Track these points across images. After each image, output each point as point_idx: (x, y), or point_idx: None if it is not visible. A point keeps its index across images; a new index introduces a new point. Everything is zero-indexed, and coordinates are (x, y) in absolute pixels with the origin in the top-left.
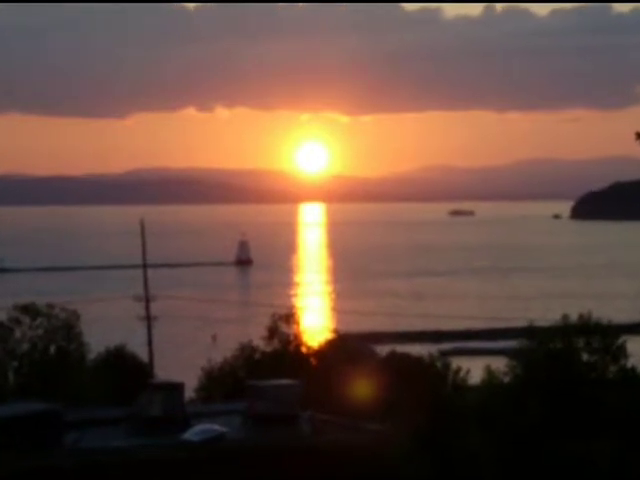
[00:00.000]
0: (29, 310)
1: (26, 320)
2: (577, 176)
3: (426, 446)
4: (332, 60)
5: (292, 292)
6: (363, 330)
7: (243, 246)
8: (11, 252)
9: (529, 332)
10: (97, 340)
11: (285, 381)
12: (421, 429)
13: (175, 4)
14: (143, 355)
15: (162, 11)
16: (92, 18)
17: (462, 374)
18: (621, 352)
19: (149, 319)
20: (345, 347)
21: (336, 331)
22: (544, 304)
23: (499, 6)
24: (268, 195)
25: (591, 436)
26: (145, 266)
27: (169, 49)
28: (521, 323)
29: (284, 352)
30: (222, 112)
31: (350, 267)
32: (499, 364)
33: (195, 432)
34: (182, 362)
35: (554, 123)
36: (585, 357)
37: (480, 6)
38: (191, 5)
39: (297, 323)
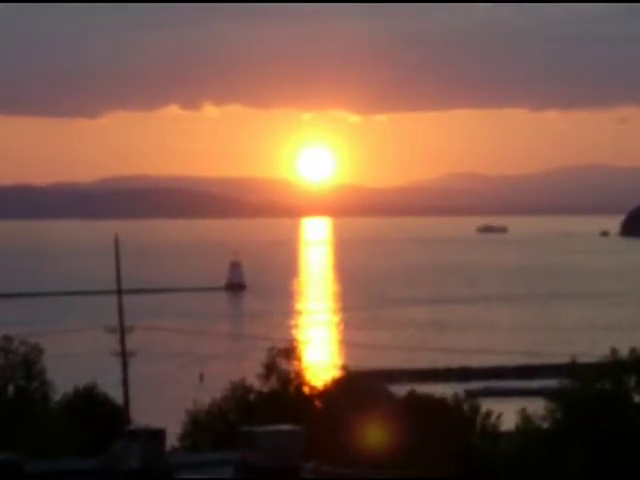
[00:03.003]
0: None
1: None
2: (628, 186)
3: None
4: (340, 49)
5: (292, 322)
6: (376, 367)
7: (235, 268)
8: None
9: (572, 369)
10: (63, 379)
11: (285, 427)
12: None
13: None
14: (118, 397)
15: None
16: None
17: (493, 418)
18: None
19: (124, 354)
20: (355, 387)
21: (345, 368)
22: (589, 337)
23: None
24: (265, 208)
25: None
26: (120, 291)
27: (148, 36)
28: (562, 359)
29: (283, 393)
30: (211, 110)
31: (361, 293)
32: (536, 407)
33: None
34: (163, 405)
35: (600, 123)
36: (637, 399)
37: None
38: None
39: (298, 359)
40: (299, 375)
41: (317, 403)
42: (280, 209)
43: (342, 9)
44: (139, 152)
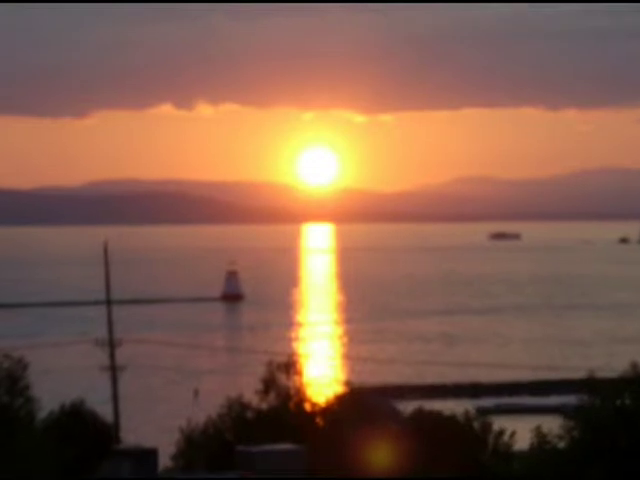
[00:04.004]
0: None
1: None
2: None
3: None
4: (343, 43)
5: (293, 335)
6: (382, 382)
7: (232, 277)
8: None
9: (589, 385)
10: (49, 395)
11: (285, 446)
12: None
13: None
14: (107, 414)
15: None
16: None
17: (506, 437)
18: None
19: (114, 369)
20: (359, 403)
21: (348, 383)
22: (608, 350)
23: None
24: (263, 214)
25: None
26: (109, 302)
27: (139, 31)
28: (580, 374)
29: (283, 410)
30: (206, 110)
31: (365, 303)
32: (552, 425)
33: None
34: (155, 423)
35: (622, 123)
36: None
37: None
38: None
39: (299, 373)
40: (300, 391)
41: (319, 421)
42: (280, 215)
43: (345, 4)
44: (129, 154)
